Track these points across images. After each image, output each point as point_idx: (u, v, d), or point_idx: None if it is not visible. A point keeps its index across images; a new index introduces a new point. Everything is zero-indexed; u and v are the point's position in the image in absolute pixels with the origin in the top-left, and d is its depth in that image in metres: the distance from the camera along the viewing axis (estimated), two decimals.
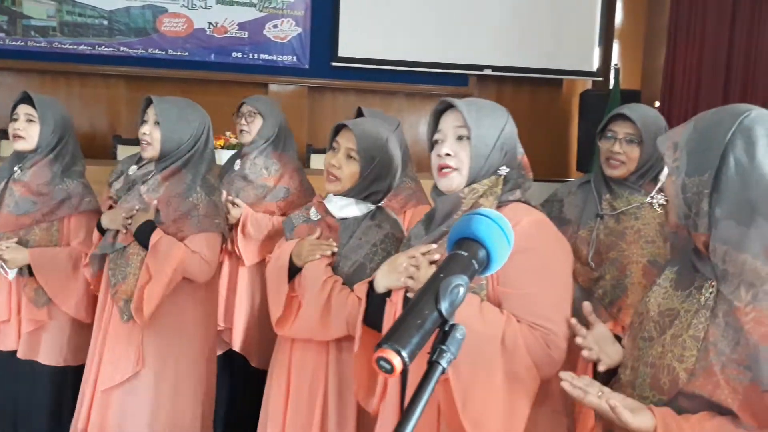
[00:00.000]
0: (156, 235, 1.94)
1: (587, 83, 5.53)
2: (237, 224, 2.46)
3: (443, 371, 0.65)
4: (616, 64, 5.13)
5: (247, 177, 2.64)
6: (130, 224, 1.97)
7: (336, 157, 1.75)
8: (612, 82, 4.90)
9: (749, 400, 1.12)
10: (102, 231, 2.08)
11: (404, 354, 0.61)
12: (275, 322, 1.74)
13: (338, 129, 1.79)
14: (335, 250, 1.74)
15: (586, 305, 1.29)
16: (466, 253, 0.74)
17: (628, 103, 2.35)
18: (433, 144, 1.50)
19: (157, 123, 1.99)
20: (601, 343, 1.31)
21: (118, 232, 2.01)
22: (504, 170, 1.47)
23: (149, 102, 2.03)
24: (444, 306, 0.67)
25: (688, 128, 1.22)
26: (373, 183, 1.77)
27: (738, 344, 1.14)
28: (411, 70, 5.23)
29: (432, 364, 0.66)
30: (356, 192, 1.76)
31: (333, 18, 5.16)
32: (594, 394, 1.16)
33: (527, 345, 1.32)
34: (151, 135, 2.00)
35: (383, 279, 1.52)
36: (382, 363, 0.61)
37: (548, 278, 1.38)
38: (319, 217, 1.81)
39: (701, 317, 1.18)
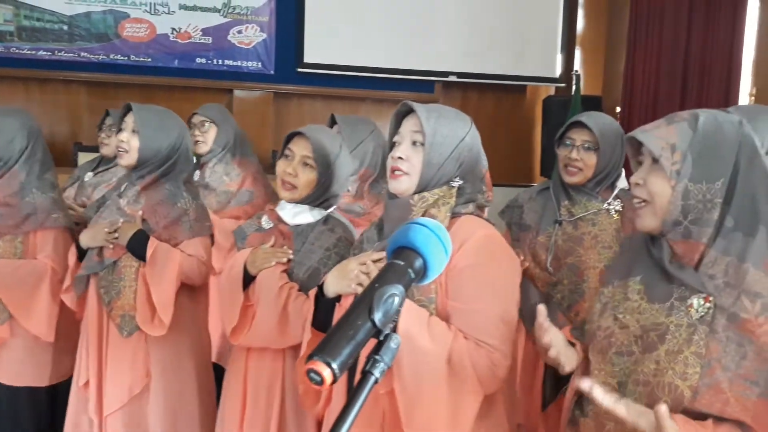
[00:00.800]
0: (152, 244, 1.92)
1: (550, 89, 5.61)
2: None
3: (376, 381, 0.66)
4: (576, 71, 5.22)
5: (209, 185, 2.63)
6: (116, 239, 1.93)
7: (291, 165, 1.75)
8: (573, 88, 4.98)
9: (759, 416, 1.10)
10: (82, 252, 2.02)
11: (334, 366, 0.61)
12: (230, 331, 1.72)
13: (290, 137, 1.79)
14: (290, 257, 1.74)
15: (541, 309, 1.28)
16: (402, 263, 0.75)
17: (587, 111, 2.39)
18: (392, 145, 1.50)
19: (135, 131, 1.96)
20: (559, 347, 1.32)
21: (101, 248, 1.96)
22: (457, 182, 1.46)
23: (128, 109, 2.00)
24: (377, 316, 0.67)
25: (687, 131, 1.19)
26: (327, 190, 1.78)
27: (744, 358, 1.11)
28: (378, 76, 5.25)
29: (365, 374, 0.66)
30: (312, 199, 1.77)
31: (298, 24, 5.14)
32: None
33: (473, 363, 1.32)
34: (129, 143, 1.97)
35: (333, 284, 1.52)
36: (312, 375, 0.62)
37: (496, 295, 1.38)
38: (272, 225, 1.81)
39: (701, 333, 1.14)
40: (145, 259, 1.92)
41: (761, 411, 1.10)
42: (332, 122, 2.39)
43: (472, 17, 5.27)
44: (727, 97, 4.00)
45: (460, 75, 5.34)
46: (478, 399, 1.34)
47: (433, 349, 1.31)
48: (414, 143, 1.44)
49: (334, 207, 1.87)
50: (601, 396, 1.10)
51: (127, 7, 5.04)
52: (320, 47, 5.16)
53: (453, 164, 1.45)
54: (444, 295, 1.39)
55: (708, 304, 1.15)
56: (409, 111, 1.48)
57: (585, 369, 1.35)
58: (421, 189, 1.45)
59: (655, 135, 1.19)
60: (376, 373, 0.66)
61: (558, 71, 5.43)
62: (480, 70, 5.35)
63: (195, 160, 2.83)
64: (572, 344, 1.37)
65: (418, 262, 0.76)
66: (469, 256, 1.37)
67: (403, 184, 1.44)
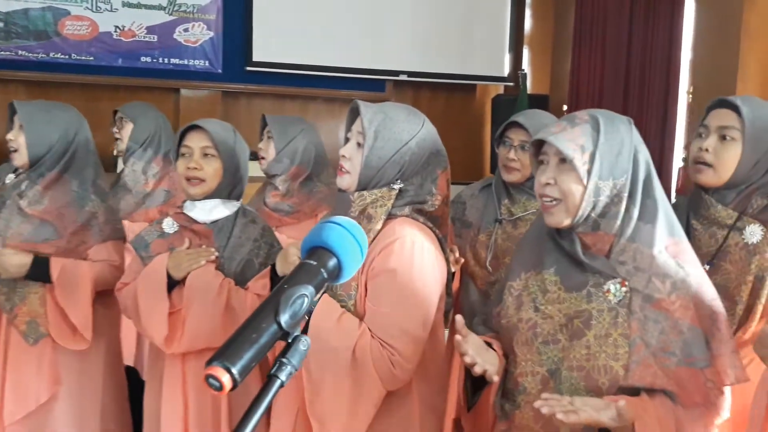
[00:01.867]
0: (56, 265, 1.83)
1: (499, 88, 5.68)
2: None
3: (282, 385, 0.64)
4: (522, 70, 5.31)
5: (127, 185, 2.56)
6: None
7: (193, 160, 1.72)
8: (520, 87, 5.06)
9: (681, 382, 1.23)
10: None
11: (234, 371, 0.60)
12: (162, 341, 1.67)
13: (182, 135, 1.76)
14: (216, 254, 1.71)
15: (459, 320, 1.29)
16: (314, 263, 0.73)
17: (532, 109, 2.43)
18: (346, 140, 1.53)
19: (21, 128, 1.87)
20: (477, 352, 1.32)
21: None
22: (398, 185, 1.47)
23: (14, 108, 1.91)
24: (284, 318, 0.66)
25: (591, 132, 1.27)
26: (235, 177, 1.76)
27: (662, 333, 1.23)
28: (329, 75, 5.21)
29: (270, 378, 0.64)
30: (223, 189, 1.74)
31: (246, 22, 5.07)
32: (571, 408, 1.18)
33: (374, 360, 1.38)
34: (17, 141, 1.87)
35: (280, 270, 1.59)
36: (211, 381, 0.60)
37: (408, 302, 1.41)
38: (176, 228, 1.76)
39: (622, 315, 1.25)
40: (51, 280, 1.83)
41: (680, 377, 1.23)
42: (263, 123, 2.36)
43: (422, 17, 5.29)
44: (666, 94, 4.12)
45: (411, 74, 5.35)
46: (379, 394, 1.40)
47: (339, 343, 1.37)
48: (358, 144, 1.47)
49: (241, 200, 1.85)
50: (563, 413, 1.16)
51: (67, 4, 4.88)
52: (269, 46, 5.10)
53: (394, 167, 1.47)
54: (362, 294, 1.43)
55: (624, 288, 1.26)
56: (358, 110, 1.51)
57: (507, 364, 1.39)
58: (361, 188, 1.48)
59: (566, 138, 1.26)
60: (282, 376, 0.64)
61: (506, 70, 5.50)
62: (431, 69, 5.38)
63: (119, 159, 2.77)
64: (488, 345, 1.39)
65: (332, 262, 0.75)
66: (389, 260, 1.41)
67: (345, 181, 1.49)
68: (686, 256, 1.30)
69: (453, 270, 2.07)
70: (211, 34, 5.11)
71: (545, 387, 1.31)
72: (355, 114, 1.51)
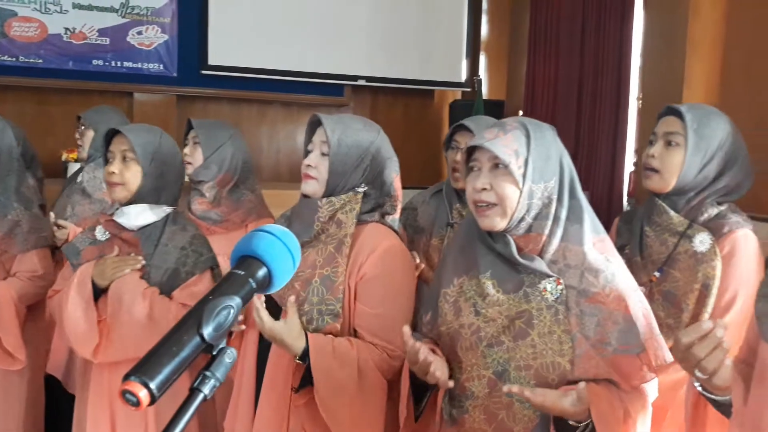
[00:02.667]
0: None
1: (457, 93, 5.73)
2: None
3: (205, 398, 0.63)
4: (477, 76, 5.39)
5: (85, 191, 2.52)
6: None
7: (113, 164, 1.71)
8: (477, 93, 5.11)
9: (619, 369, 1.29)
10: None
11: (152, 386, 0.58)
12: (90, 350, 1.64)
13: (108, 140, 1.74)
14: (143, 262, 1.70)
15: (406, 331, 1.32)
16: (242, 272, 0.72)
17: (489, 115, 2.46)
18: (307, 152, 1.63)
19: None
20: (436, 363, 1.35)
21: None
22: (362, 188, 1.59)
23: None
24: (207, 330, 0.64)
25: (522, 138, 1.32)
26: (159, 180, 1.73)
27: (598, 325, 1.29)
28: (286, 79, 5.18)
29: (193, 391, 0.63)
30: (146, 193, 1.72)
31: (201, 25, 5.00)
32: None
33: (375, 362, 1.51)
34: None
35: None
36: (128, 396, 0.58)
37: (398, 301, 1.57)
38: (108, 236, 1.74)
39: (561, 311, 1.30)
40: None
41: (617, 364, 1.30)
42: (188, 126, 2.32)
43: (380, 22, 5.31)
44: (617, 100, 4.22)
45: (369, 79, 5.36)
46: (384, 391, 1.53)
47: (345, 373, 1.47)
48: (323, 154, 1.58)
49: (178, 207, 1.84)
50: (530, 391, 1.21)
51: (14, 4, 4.74)
52: (226, 49, 5.04)
53: (358, 172, 1.58)
54: (351, 298, 1.54)
55: (560, 286, 1.31)
56: (320, 121, 1.60)
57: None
58: (328, 194, 1.57)
59: (501, 144, 1.31)
60: (206, 390, 0.63)
61: (464, 76, 5.56)
62: (389, 75, 5.40)
63: (79, 166, 2.73)
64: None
65: (262, 272, 0.74)
66: (377, 265, 1.54)
67: (311, 187, 1.58)
68: (612, 251, 1.38)
69: None
70: (166, 37, 5.02)
71: (493, 389, 1.33)
72: (314, 126, 1.62)
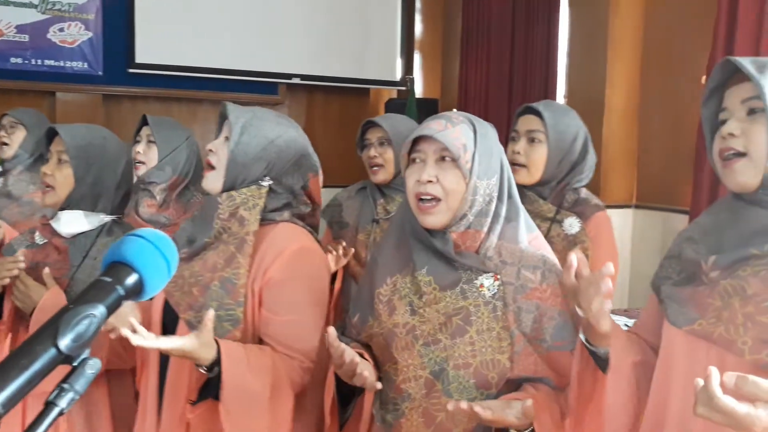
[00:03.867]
0: None
1: (393, 92, 5.75)
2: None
3: (61, 412, 0.60)
4: (409, 75, 5.43)
5: (11, 194, 2.41)
6: None
7: (48, 165, 1.63)
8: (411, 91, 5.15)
9: (554, 366, 1.29)
10: None
11: None
12: None
13: (50, 138, 1.66)
14: (14, 274, 1.57)
15: (331, 331, 1.25)
16: (109, 279, 0.69)
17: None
18: None
19: None
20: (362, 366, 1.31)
21: None
22: (267, 182, 1.47)
23: None
24: (64, 341, 0.61)
25: (469, 132, 1.30)
26: (95, 187, 1.65)
27: (535, 321, 1.29)
28: (219, 77, 5.07)
29: (48, 405, 0.60)
30: (78, 198, 1.64)
31: (128, 22, 4.84)
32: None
33: (288, 375, 1.42)
34: None
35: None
36: None
37: (308, 306, 1.46)
38: (45, 240, 1.66)
39: (499, 308, 1.28)
40: None
41: (552, 361, 1.30)
42: (142, 123, 2.24)
43: (315, 20, 5.26)
44: (545, 98, 4.31)
45: (304, 77, 5.30)
46: (292, 404, 1.43)
47: (258, 385, 1.36)
48: (226, 138, 1.48)
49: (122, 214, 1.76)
50: (479, 406, 1.16)
51: None
52: (154, 47, 4.90)
53: (260, 165, 1.47)
54: (255, 303, 1.43)
55: (498, 282, 1.30)
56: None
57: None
58: (228, 187, 1.46)
59: (451, 136, 1.28)
60: (62, 404, 0.60)
61: (399, 75, 5.58)
62: (324, 73, 5.36)
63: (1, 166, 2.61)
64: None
65: (131, 278, 0.70)
66: (284, 269, 1.43)
67: (210, 180, 1.48)
68: (546, 248, 1.40)
69: (334, 269, 2.09)
70: (90, 34, 4.83)
71: (431, 390, 1.29)
72: (224, 117, 1.52)
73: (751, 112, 1.01)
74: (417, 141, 1.32)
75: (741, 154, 1.03)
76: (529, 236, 1.37)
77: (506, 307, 1.29)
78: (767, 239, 0.98)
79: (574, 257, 1.11)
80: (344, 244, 2.15)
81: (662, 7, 3.62)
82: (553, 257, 1.38)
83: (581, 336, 1.23)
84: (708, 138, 1.10)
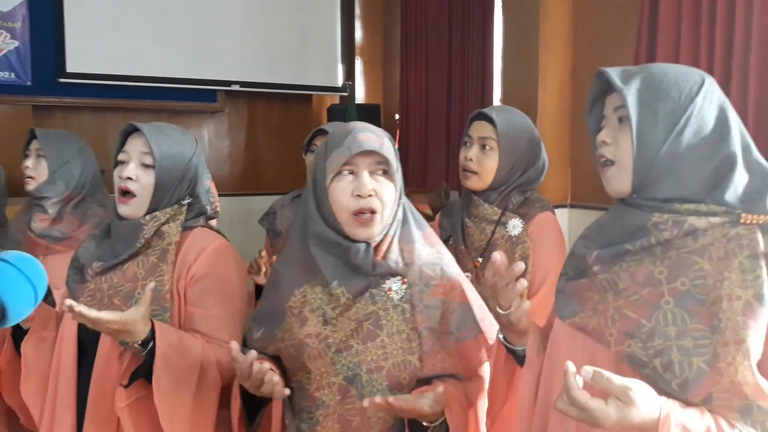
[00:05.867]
0: None
1: (336, 98, 5.74)
2: None
3: None
4: (349, 81, 5.44)
5: None
6: None
7: None
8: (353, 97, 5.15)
9: (462, 357, 1.35)
10: None
11: None
12: None
13: None
14: None
15: (233, 346, 1.23)
16: None
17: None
18: (117, 162, 1.51)
19: None
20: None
21: None
22: (187, 200, 1.55)
23: None
24: None
25: (390, 142, 1.36)
26: None
27: (442, 317, 1.33)
28: (155, 86, 4.96)
29: None
30: None
31: (57, 30, 4.68)
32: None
33: (218, 360, 1.45)
34: None
35: None
36: None
37: (234, 299, 1.54)
38: None
39: (407, 310, 1.31)
40: None
41: (459, 351, 1.34)
42: (31, 136, 2.17)
43: (253, 27, 5.21)
44: (482, 103, 4.38)
45: (243, 84, 5.24)
46: (218, 392, 1.47)
47: (188, 360, 1.40)
48: (144, 165, 1.48)
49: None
50: (393, 400, 1.18)
51: None
52: (86, 55, 4.75)
53: (183, 185, 1.54)
54: (181, 302, 1.49)
55: (405, 285, 1.33)
56: (135, 130, 1.51)
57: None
58: (151, 210, 1.50)
59: (387, 150, 1.33)
60: None
61: (340, 80, 5.57)
62: (265, 79, 5.31)
63: None
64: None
65: None
66: (206, 266, 1.50)
67: (131, 208, 1.49)
68: (439, 243, 1.44)
69: (264, 282, 2.07)
70: (17, 43, 4.66)
71: (345, 396, 1.31)
72: (127, 135, 1.52)
73: (621, 120, 1.06)
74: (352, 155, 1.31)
75: (611, 162, 1.07)
76: (423, 234, 1.40)
77: (414, 309, 1.32)
78: (640, 236, 1.03)
79: (497, 255, 1.13)
80: (272, 258, 2.12)
81: (590, 12, 3.72)
82: (446, 251, 1.43)
83: (500, 335, 1.27)
84: (593, 143, 1.14)
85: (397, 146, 1.42)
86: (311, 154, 2.28)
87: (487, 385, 1.40)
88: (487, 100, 4.33)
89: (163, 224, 1.50)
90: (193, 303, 1.49)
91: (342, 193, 1.31)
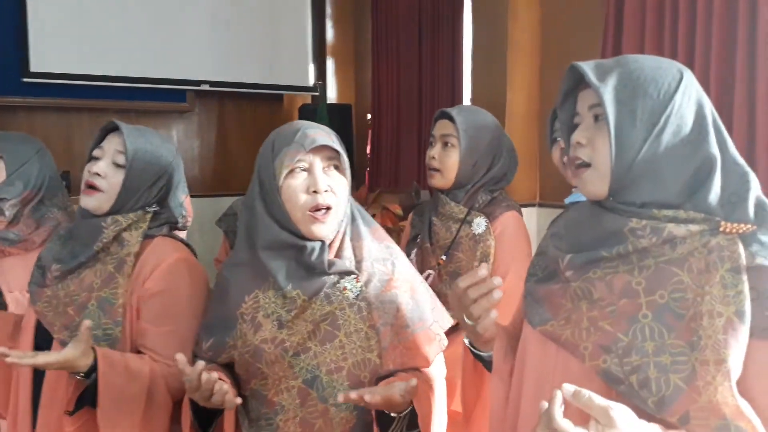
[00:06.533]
0: None
1: (308, 98, 5.72)
2: None
3: None
4: (320, 81, 5.42)
5: None
6: None
7: None
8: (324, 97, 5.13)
9: (419, 347, 1.33)
10: None
11: None
12: None
13: None
14: None
15: (180, 358, 1.20)
16: None
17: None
18: (91, 158, 1.49)
19: None
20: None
21: None
22: (154, 208, 1.50)
23: None
24: None
25: (335, 136, 1.36)
26: None
27: (397, 311, 1.33)
28: (121, 85, 4.88)
29: None
30: None
31: (20, 29, 4.58)
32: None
33: (166, 382, 1.42)
34: None
35: None
36: None
37: (185, 316, 1.47)
38: None
39: (363, 308, 1.31)
40: None
41: (416, 343, 1.34)
42: None
43: (222, 26, 5.15)
44: (452, 103, 4.39)
45: (213, 84, 5.19)
46: (170, 411, 1.43)
47: (134, 387, 1.36)
48: (116, 164, 1.45)
49: None
50: (368, 393, 1.15)
51: None
52: (50, 55, 4.66)
53: (152, 191, 1.49)
54: (133, 316, 1.44)
55: (360, 284, 1.32)
56: (116, 128, 1.48)
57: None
58: (114, 211, 1.46)
59: (338, 145, 1.32)
60: None
61: (311, 80, 5.55)
62: (235, 79, 5.26)
63: None
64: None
65: None
66: (161, 281, 1.44)
67: (95, 201, 1.45)
68: (386, 237, 1.44)
69: None
70: None
71: (306, 399, 1.29)
72: (106, 132, 1.49)
73: (597, 118, 1.00)
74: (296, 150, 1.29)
75: (587, 164, 1.01)
76: (371, 230, 1.41)
77: (370, 306, 1.32)
78: (616, 242, 0.97)
79: (483, 267, 1.07)
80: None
81: (557, 13, 3.75)
82: (394, 245, 1.44)
83: (466, 341, 1.26)
84: (565, 141, 1.09)
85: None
86: None
87: (439, 375, 1.41)
88: (457, 100, 4.35)
89: (123, 230, 1.45)
90: (146, 318, 1.45)
91: (297, 190, 1.29)
